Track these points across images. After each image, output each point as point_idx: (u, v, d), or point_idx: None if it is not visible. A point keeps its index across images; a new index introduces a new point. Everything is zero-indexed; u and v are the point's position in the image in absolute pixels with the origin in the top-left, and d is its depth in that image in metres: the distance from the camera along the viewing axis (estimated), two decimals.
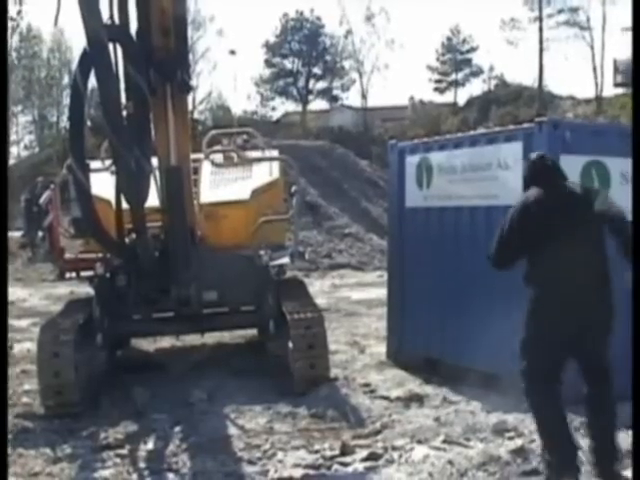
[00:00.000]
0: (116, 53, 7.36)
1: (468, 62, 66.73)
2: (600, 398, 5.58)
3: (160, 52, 7.60)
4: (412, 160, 10.00)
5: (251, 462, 6.74)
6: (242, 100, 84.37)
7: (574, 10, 57.04)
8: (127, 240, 8.54)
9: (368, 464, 6.52)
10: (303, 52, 64.02)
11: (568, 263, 5.34)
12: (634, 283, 6.00)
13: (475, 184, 8.99)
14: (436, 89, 67.60)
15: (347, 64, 63.60)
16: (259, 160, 10.92)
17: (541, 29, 56.50)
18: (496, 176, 8.69)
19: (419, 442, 6.98)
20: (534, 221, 5.47)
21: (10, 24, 31.61)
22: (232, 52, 51.13)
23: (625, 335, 5.51)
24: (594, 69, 54.34)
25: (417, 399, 8.51)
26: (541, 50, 56.38)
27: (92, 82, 7.36)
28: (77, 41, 63.35)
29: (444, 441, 6.94)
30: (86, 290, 10.21)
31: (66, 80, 52.22)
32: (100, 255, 9.29)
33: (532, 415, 5.74)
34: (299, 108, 63.97)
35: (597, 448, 5.55)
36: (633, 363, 6.31)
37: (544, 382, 5.48)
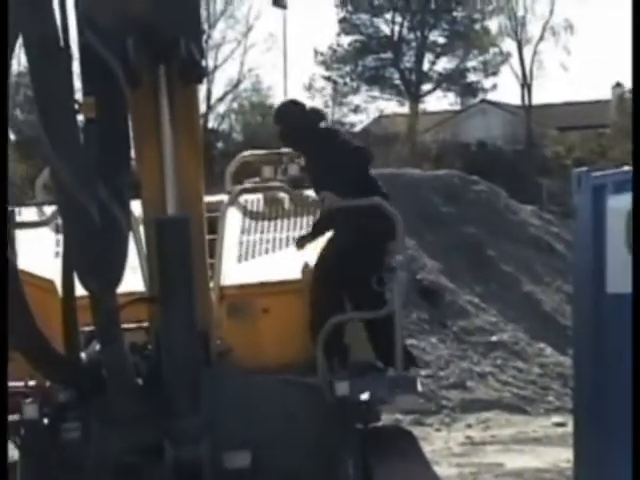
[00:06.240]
0: (64, 10, 7.46)
1: None
2: None
3: (145, 10, 7.73)
4: (620, 204, 10.14)
5: None
6: (297, 92, 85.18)
7: None
8: (84, 355, 8.64)
9: None
10: (410, 5, 64.48)
11: None
12: (634, 283, 9.36)
13: None
14: None
15: (493, 24, 63.93)
16: None
17: None
18: None
19: None
20: None
21: None
22: (278, 3, 51.31)
23: None
24: None
25: None
26: None
27: (23, 62, 7.50)
28: None
29: None
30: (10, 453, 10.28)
31: None
32: (32, 383, 9.34)
33: None
34: (404, 109, 64.20)
35: None
36: (633, 363, 8.90)
37: None
